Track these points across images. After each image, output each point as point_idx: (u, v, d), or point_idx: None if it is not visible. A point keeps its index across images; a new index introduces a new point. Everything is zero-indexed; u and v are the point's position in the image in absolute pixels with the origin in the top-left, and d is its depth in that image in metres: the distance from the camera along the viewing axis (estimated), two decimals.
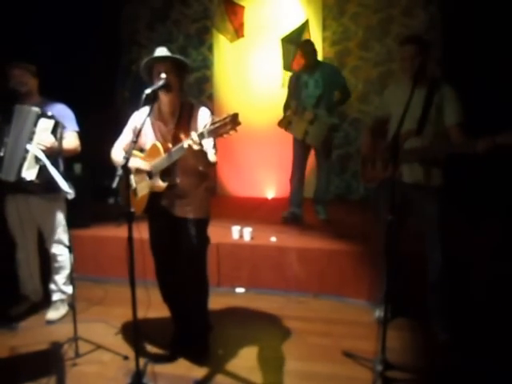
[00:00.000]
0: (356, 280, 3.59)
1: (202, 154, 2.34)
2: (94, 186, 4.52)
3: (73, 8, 4.80)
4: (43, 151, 2.92)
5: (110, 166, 2.68)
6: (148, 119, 2.58)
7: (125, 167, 2.18)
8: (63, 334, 2.96)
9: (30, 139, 2.96)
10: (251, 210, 5.25)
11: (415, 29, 5.41)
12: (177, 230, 2.66)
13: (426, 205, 2.84)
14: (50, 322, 3.18)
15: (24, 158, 2.95)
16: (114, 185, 2.65)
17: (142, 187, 2.65)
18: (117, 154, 2.71)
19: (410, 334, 3.03)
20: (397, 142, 2.45)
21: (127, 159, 2.18)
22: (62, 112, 3.20)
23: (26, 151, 2.95)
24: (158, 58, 2.47)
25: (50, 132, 3.00)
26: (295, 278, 3.73)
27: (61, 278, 3.35)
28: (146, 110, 2.57)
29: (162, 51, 2.49)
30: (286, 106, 4.63)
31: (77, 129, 3.27)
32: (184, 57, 2.54)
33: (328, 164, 4.62)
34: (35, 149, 2.90)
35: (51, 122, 3.02)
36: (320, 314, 3.38)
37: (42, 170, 2.93)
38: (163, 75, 2.41)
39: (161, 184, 2.50)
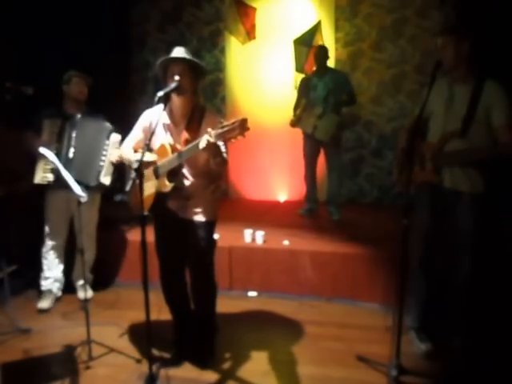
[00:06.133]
0: (369, 284, 3.56)
1: (219, 149, 2.34)
2: (105, 189, 4.53)
3: (82, 10, 4.81)
4: (116, 162, 3.32)
5: (120, 168, 2.69)
6: (161, 119, 2.58)
7: (138, 170, 2.18)
8: (76, 337, 2.97)
9: (105, 150, 3.41)
10: (263, 213, 5.23)
11: (430, 30, 5.36)
12: (183, 231, 2.65)
13: (463, 213, 2.67)
14: (86, 301, 3.09)
15: (102, 167, 3.39)
16: (128, 188, 2.67)
17: (148, 186, 2.61)
18: (125, 151, 2.73)
19: None
20: (413, 143, 2.41)
21: (140, 162, 2.19)
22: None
23: (102, 161, 3.39)
24: (173, 59, 2.46)
25: (118, 145, 3.34)
26: (308, 282, 3.70)
27: (87, 268, 3.52)
28: (156, 109, 2.59)
29: (179, 51, 2.47)
30: (296, 108, 4.77)
31: None
32: (198, 60, 2.53)
33: (339, 164, 4.75)
34: (49, 153, 2.96)
35: (119, 137, 3.43)
36: (333, 318, 3.35)
37: (116, 176, 3.50)
38: (177, 77, 2.40)
39: (167, 184, 2.49)
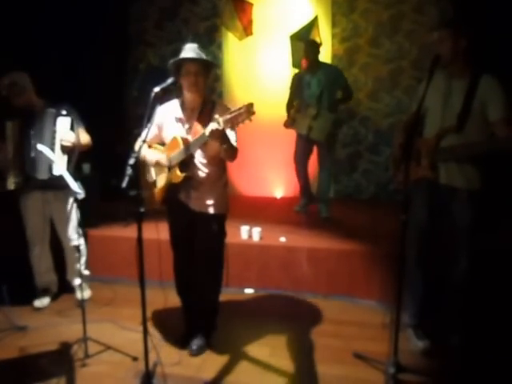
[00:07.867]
0: (366, 280, 3.55)
1: (226, 135, 2.39)
2: (103, 185, 4.51)
3: (80, 7, 4.79)
4: (67, 147, 3.17)
5: (119, 166, 2.68)
6: (174, 114, 2.69)
7: (134, 166, 2.17)
8: (72, 335, 2.96)
9: (53, 138, 3.17)
10: (260, 210, 5.22)
11: (426, 25, 5.35)
12: (195, 224, 2.70)
13: (460, 210, 2.64)
14: (84, 301, 3.05)
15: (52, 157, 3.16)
16: (124, 184, 2.65)
17: (160, 179, 2.72)
18: (144, 150, 2.76)
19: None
20: (411, 139, 2.40)
21: (136, 158, 2.19)
22: (68, 111, 3.29)
23: (52, 150, 3.12)
24: (189, 59, 2.52)
25: (69, 129, 3.21)
26: (305, 279, 3.69)
27: (81, 264, 3.40)
28: (168, 105, 2.71)
29: (193, 50, 2.54)
30: (289, 106, 4.76)
31: (83, 125, 3.39)
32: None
33: (330, 162, 4.72)
34: (44, 148, 2.95)
35: (68, 120, 3.23)
36: (330, 315, 3.35)
37: (69, 162, 3.19)
38: (169, 80, 2.40)
39: (179, 175, 2.55)
